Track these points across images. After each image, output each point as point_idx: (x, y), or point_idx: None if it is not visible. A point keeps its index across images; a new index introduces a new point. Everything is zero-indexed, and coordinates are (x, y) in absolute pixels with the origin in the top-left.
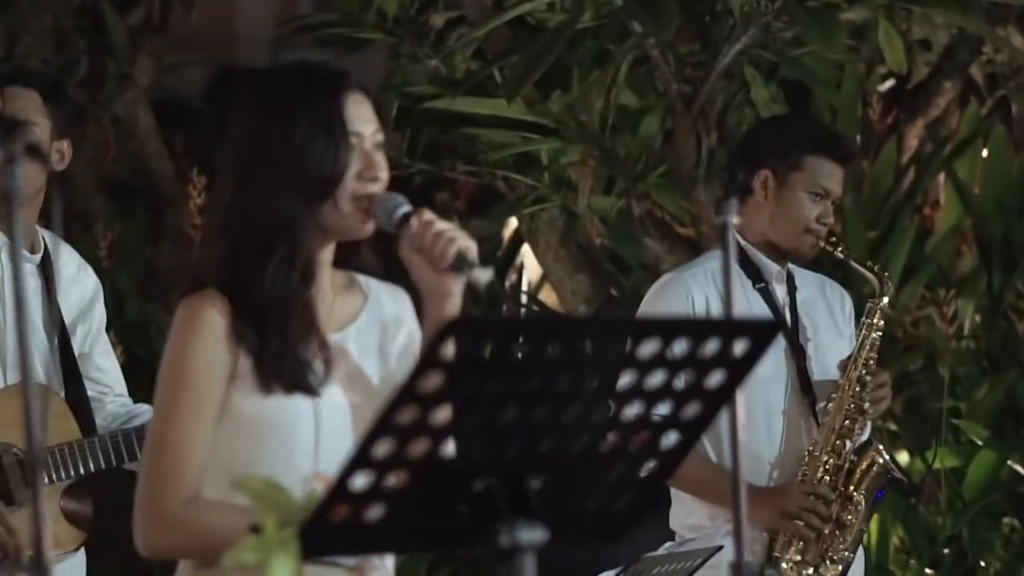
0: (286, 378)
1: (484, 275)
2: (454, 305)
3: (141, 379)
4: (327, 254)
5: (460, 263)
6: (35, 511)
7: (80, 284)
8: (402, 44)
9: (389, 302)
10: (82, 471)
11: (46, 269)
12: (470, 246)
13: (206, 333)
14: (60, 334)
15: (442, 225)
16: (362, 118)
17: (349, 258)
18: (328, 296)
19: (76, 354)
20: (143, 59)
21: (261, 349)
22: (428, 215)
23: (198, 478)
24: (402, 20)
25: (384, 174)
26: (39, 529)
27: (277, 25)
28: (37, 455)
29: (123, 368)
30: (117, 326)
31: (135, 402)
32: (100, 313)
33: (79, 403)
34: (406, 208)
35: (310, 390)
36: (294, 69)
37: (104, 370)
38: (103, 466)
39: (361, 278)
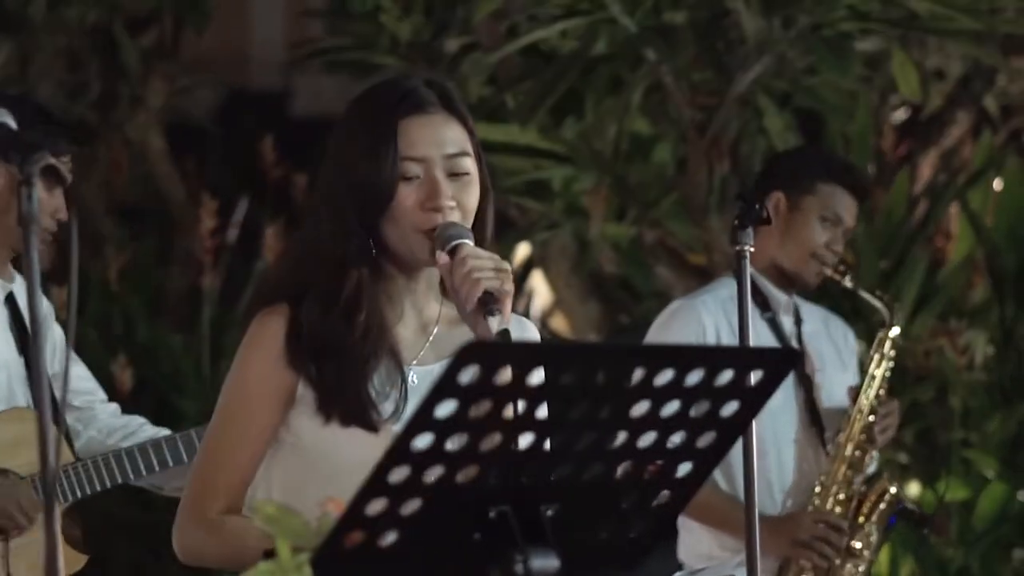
0: (342, 411)
1: (495, 324)
2: None
3: (150, 401)
4: (420, 284)
5: (483, 307)
6: (48, 535)
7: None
8: (415, 69)
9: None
10: (80, 493)
11: (11, 297)
12: (501, 290)
13: (265, 352)
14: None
15: (474, 264)
16: (428, 141)
17: None
18: (432, 327)
19: (50, 374)
20: (155, 81)
21: (319, 378)
22: (465, 251)
23: (239, 492)
24: (415, 45)
25: (448, 202)
26: (52, 553)
27: (289, 49)
28: (51, 481)
29: (132, 391)
30: (127, 349)
31: (143, 422)
32: (57, 328)
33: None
34: (455, 242)
35: (369, 426)
36: (372, 89)
37: (80, 377)
38: (102, 487)
39: None
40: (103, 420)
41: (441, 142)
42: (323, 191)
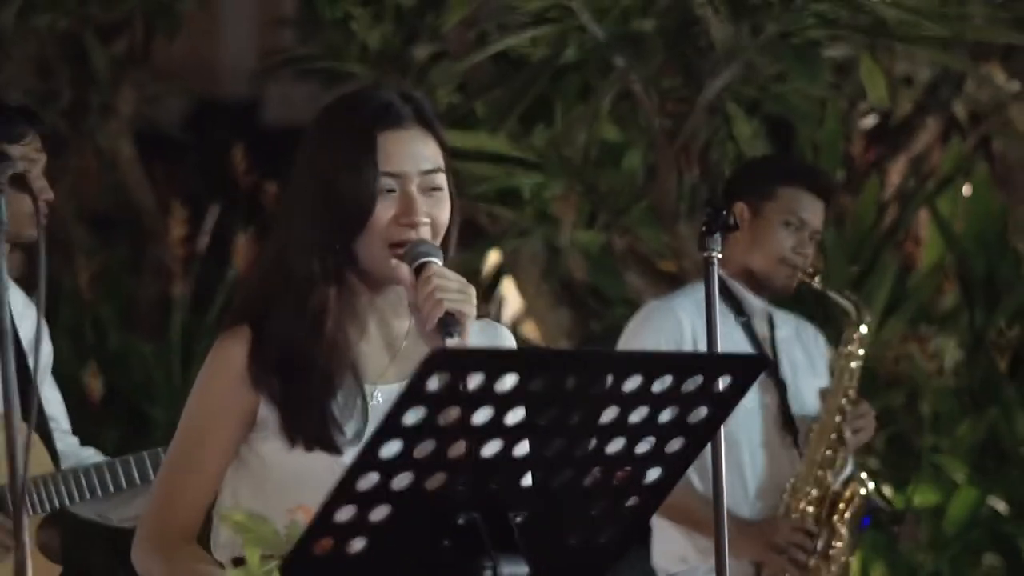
0: (306, 434)
1: (452, 343)
2: None
3: (120, 409)
4: (387, 300)
5: (442, 327)
6: (17, 543)
7: (27, 320)
8: (385, 77)
9: (483, 341)
10: (59, 503)
11: None
12: (462, 312)
13: (225, 376)
14: (19, 364)
15: (439, 283)
16: (405, 156)
17: None
18: (400, 342)
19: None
20: (126, 90)
21: (282, 400)
22: (431, 271)
23: (194, 516)
24: (385, 53)
25: (423, 218)
26: (21, 561)
27: (260, 57)
28: (19, 488)
29: (103, 400)
30: (98, 358)
31: (115, 429)
32: (48, 348)
33: (42, 433)
34: (422, 260)
35: (332, 449)
36: (346, 100)
37: (51, 401)
38: (82, 498)
39: None
40: (59, 448)
41: (417, 158)
42: (298, 205)
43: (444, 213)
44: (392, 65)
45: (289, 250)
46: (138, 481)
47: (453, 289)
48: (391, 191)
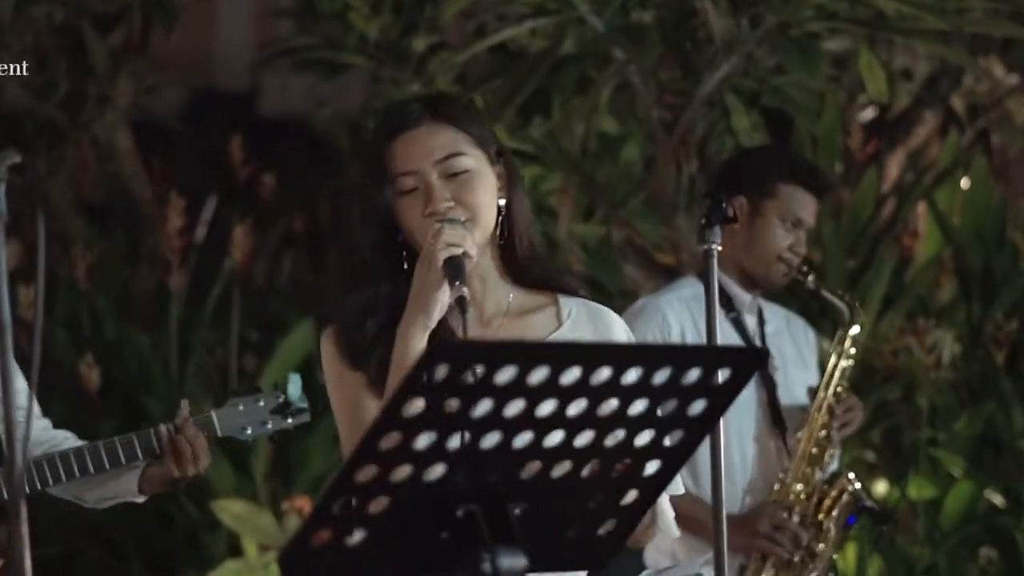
0: None
1: (456, 292)
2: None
3: (117, 401)
4: (484, 269)
5: (447, 275)
6: (13, 531)
7: None
8: (383, 68)
9: (588, 324)
10: (34, 489)
11: None
12: (459, 256)
13: (336, 361)
14: None
15: (434, 239)
16: (416, 154)
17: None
18: (497, 318)
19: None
20: (123, 80)
21: (375, 383)
22: (438, 227)
23: None
24: (383, 44)
25: (444, 204)
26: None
27: (257, 48)
28: (18, 482)
29: (100, 390)
30: (95, 348)
31: (112, 419)
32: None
33: None
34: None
35: None
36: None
37: (20, 391)
38: (56, 482)
39: (565, 300)
40: (31, 433)
41: (428, 151)
42: (360, 216)
43: (473, 193)
44: (390, 56)
45: (355, 256)
46: (107, 466)
47: (451, 240)
48: (414, 188)
